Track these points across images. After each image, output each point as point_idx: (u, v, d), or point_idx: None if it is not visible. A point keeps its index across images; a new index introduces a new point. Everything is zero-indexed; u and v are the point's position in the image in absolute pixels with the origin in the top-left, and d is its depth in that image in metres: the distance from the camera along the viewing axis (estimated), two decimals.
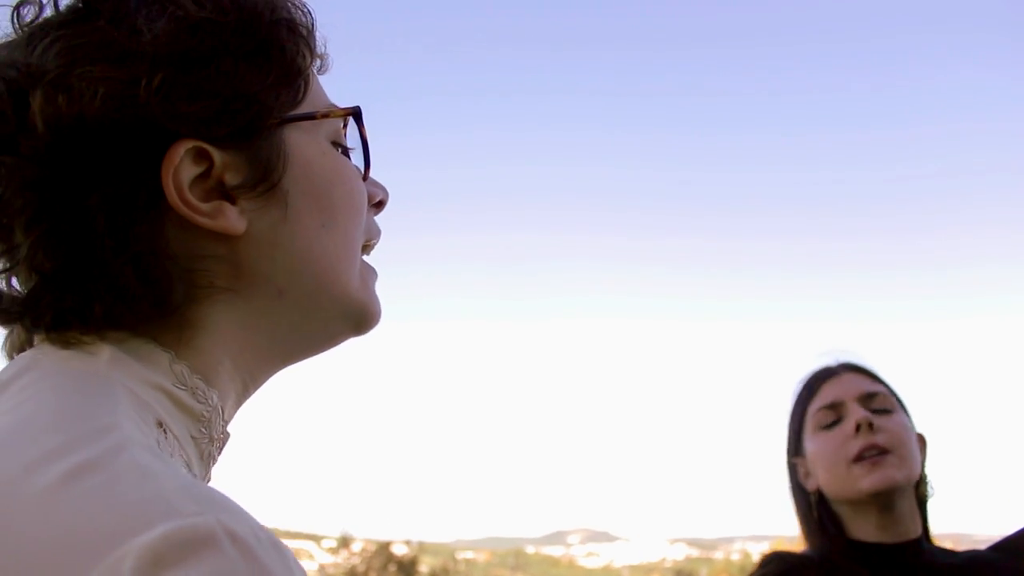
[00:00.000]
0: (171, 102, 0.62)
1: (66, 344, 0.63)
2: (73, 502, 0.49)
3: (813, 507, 1.59)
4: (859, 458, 1.52)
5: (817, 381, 1.65)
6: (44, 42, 0.63)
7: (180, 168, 0.62)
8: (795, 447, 1.65)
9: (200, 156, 0.64)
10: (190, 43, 0.63)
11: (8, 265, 0.64)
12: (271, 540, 0.50)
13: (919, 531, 1.59)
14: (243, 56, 0.65)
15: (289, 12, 0.70)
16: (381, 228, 0.79)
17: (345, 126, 0.74)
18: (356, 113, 0.73)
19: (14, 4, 0.67)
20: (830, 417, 1.59)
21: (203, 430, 0.66)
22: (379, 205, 0.78)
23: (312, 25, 0.72)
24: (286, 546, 0.51)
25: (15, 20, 0.67)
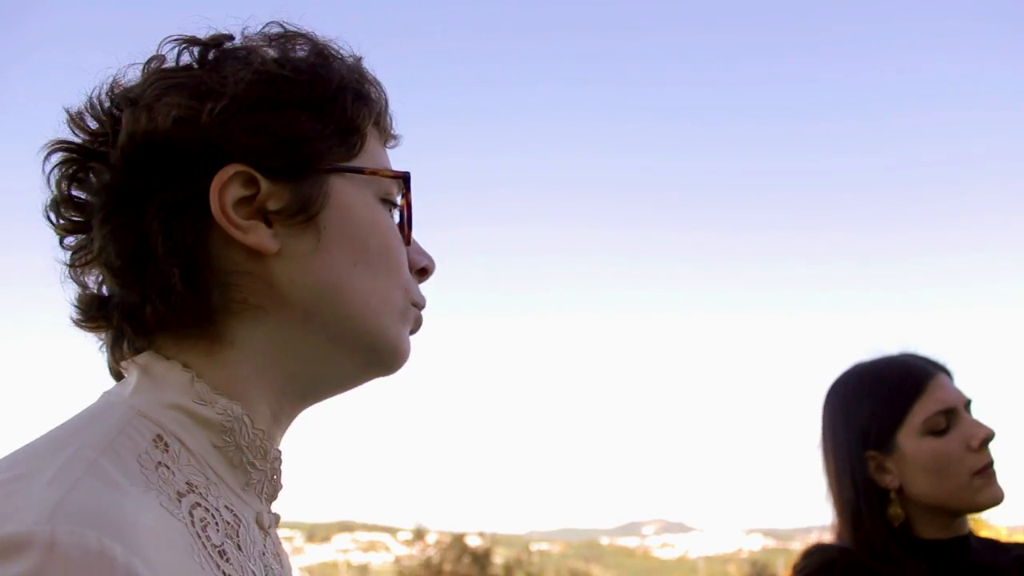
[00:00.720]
0: (229, 129, 0.72)
1: (119, 376, 0.76)
2: None
3: (888, 503, 1.59)
4: (980, 472, 1.55)
5: (921, 380, 1.61)
6: (149, 80, 0.76)
7: (227, 187, 0.72)
8: (877, 442, 1.61)
9: (249, 182, 0.73)
10: (263, 91, 0.74)
11: (88, 259, 0.75)
12: (102, 555, 0.55)
13: (967, 527, 1.62)
14: (306, 108, 0.75)
15: (358, 84, 0.80)
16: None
17: (408, 192, 0.82)
18: (404, 178, 0.81)
19: (147, 58, 0.80)
20: (942, 423, 1.58)
21: (226, 439, 0.72)
22: (423, 272, 0.84)
23: (383, 101, 0.83)
24: (122, 564, 0.56)
25: (145, 69, 0.79)
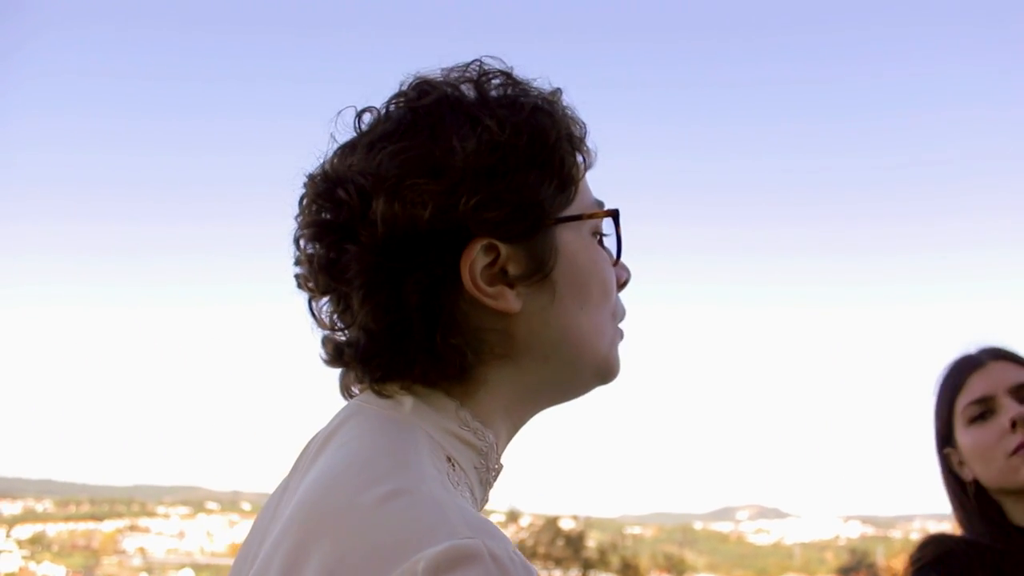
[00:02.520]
0: (479, 212, 0.80)
1: (381, 395, 0.84)
2: (386, 519, 0.69)
3: (971, 496, 1.63)
4: (1017, 451, 1.57)
5: (963, 374, 1.66)
6: (382, 153, 0.82)
7: (475, 260, 0.81)
8: (946, 438, 1.68)
9: (489, 249, 0.81)
10: (492, 160, 0.81)
11: (347, 325, 0.84)
12: (523, 562, 0.68)
13: None
14: (531, 170, 0.83)
15: (569, 128, 0.87)
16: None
17: (618, 226, 0.91)
18: (615, 215, 0.90)
19: (358, 110, 0.88)
20: (980, 411, 1.62)
21: (482, 462, 0.85)
22: (623, 284, 0.94)
23: (585, 135, 0.90)
24: (533, 567, 0.69)
25: (357, 124, 0.88)
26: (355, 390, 0.89)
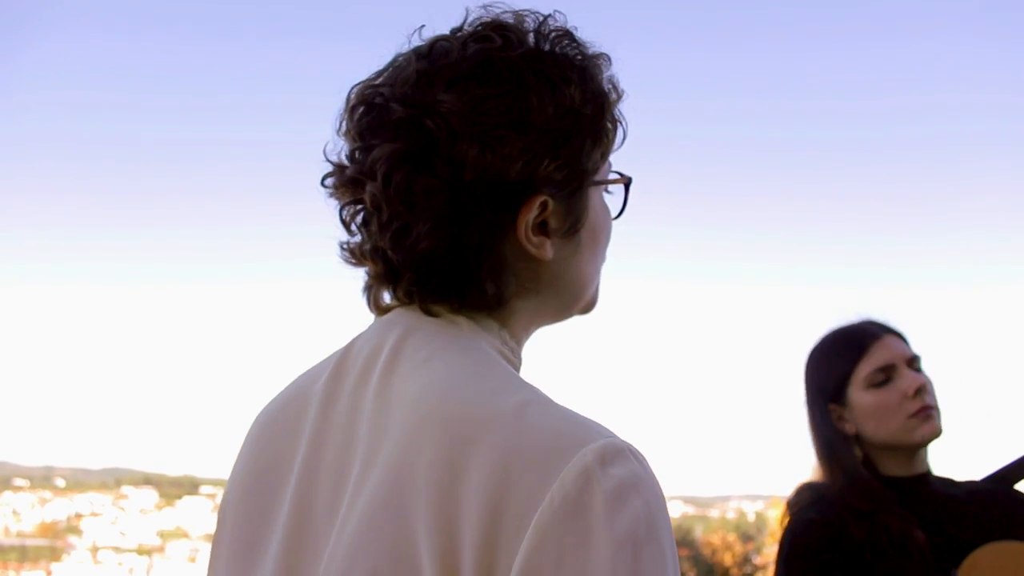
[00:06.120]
0: (551, 173, 0.88)
1: (431, 313, 0.90)
2: (533, 424, 0.75)
3: (850, 446, 1.87)
4: (916, 414, 1.82)
5: (864, 341, 1.90)
6: (470, 95, 0.86)
7: (531, 213, 0.88)
8: (834, 396, 1.90)
9: (541, 204, 0.88)
10: (565, 125, 0.88)
11: (397, 247, 0.87)
12: (644, 457, 0.77)
13: (928, 466, 1.88)
14: (589, 137, 0.90)
15: (615, 103, 0.94)
16: None
17: (627, 193, 1.00)
18: (628, 183, 0.98)
19: (433, 38, 0.91)
20: (883, 377, 1.86)
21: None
22: None
23: (620, 102, 0.96)
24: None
25: (430, 50, 0.90)
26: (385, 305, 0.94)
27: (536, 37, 0.91)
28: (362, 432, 0.83)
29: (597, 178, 0.94)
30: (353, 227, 0.92)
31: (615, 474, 0.72)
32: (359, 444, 0.83)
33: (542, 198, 0.88)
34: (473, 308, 0.90)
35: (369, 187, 0.87)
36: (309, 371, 0.96)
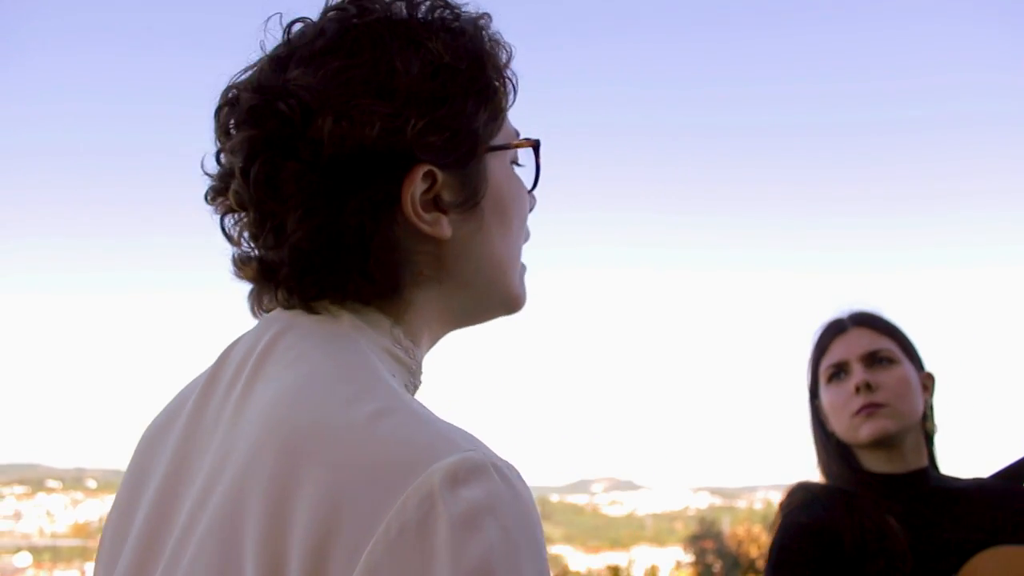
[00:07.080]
0: (423, 137, 0.79)
1: (311, 311, 0.82)
2: (382, 437, 0.67)
3: (833, 444, 1.83)
4: (858, 413, 1.76)
5: (827, 337, 1.87)
6: (324, 69, 0.80)
7: (416, 186, 0.80)
8: (814, 393, 1.88)
9: (427, 176, 0.81)
10: (434, 85, 0.80)
11: (273, 243, 0.80)
12: (515, 471, 0.68)
13: (925, 462, 1.79)
14: (469, 96, 0.82)
15: (499, 55, 0.87)
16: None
17: (537, 157, 0.92)
18: (536, 145, 0.91)
19: (288, 21, 0.85)
20: (836, 372, 1.83)
21: (411, 379, 0.85)
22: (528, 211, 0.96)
23: (511, 61, 0.89)
24: (520, 474, 0.69)
25: (287, 34, 0.85)
26: (268, 307, 0.87)
27: (407, 6, 0.85)
28: (215, 444, 0.77)
29: (494, 143, 0.86)
30: (242, 238, 0.84)
31: (466, 496, 0.63)
32: (210, 458, 0.76)
33: (425, 168, 0.80)
34: (360, 300, 0.82)
35: (232, 186, 0.81)
36: (195, 379, 0.88)
